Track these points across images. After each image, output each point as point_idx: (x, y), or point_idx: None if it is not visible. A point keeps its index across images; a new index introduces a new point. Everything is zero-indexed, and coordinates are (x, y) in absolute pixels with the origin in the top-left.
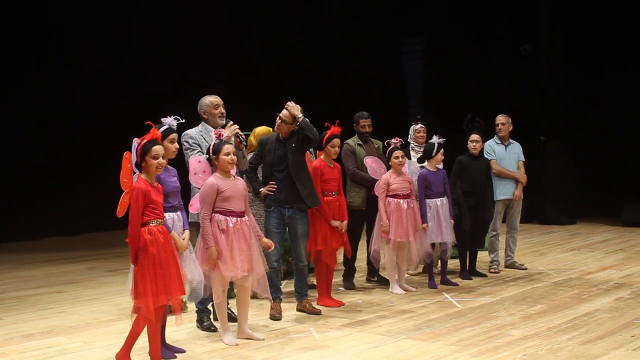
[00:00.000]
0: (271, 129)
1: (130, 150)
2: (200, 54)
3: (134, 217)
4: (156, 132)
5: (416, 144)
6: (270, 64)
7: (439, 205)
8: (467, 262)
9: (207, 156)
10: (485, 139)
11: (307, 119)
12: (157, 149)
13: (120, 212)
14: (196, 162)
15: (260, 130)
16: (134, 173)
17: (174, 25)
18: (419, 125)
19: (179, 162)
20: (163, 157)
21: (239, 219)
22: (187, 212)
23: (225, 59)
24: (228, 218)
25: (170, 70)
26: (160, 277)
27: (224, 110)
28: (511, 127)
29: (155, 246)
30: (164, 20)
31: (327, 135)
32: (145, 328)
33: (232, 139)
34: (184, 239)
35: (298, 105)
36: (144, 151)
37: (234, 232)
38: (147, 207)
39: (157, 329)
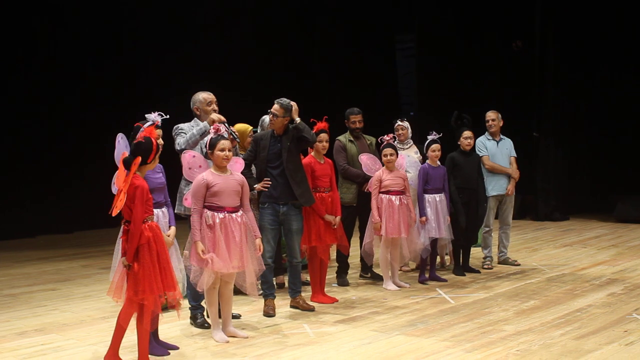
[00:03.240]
0: (250, 127)
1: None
2: (194, 50)
3: (139, 215)
4: (153, 131)
5: (398, 141)
6: (263, 61)
7: (438, 200)
8: (461, 258)
9: (205, 151)
10: (475, 134)
11: (303, 122)
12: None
13: (117, 210)
14: (190, 156)
15: (239, 127)
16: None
17: (168, 22)
18: (398, 123)
19: (164, 159)
20: None
21: (227, 214)
22: (173, 207)
23: (219, 55)
24: (215, 213)
25: (163, 68)
26: (163, 272)
27: (216, 108)
28: (501, 122)
29: (156, 242)
30: (157, 17)
31: (313, 131)
32: (134, 325)
33: (225, 134)
34: (169, 236)
35: (297, 107)
36: (158, 151)
37: (220, 228)
38: (146, 204)
39: (149, 325)
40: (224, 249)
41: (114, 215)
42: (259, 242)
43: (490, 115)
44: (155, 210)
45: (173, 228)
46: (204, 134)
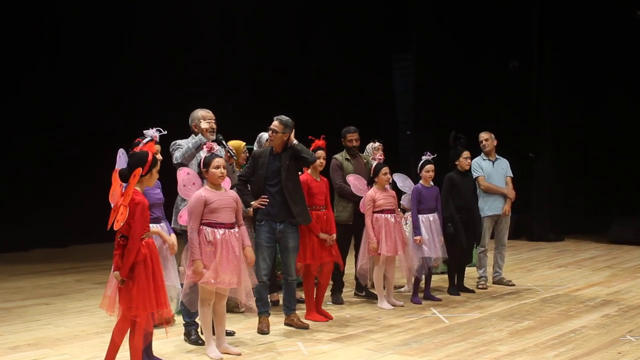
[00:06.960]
0: (244, 143)
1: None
2: (190, 67)
3: (137, 231)
4: (153, 147)
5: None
6: (261, 77)
7: (432, 220)
8: (455, 278)
9: (198, 169)
10: (471, 155)
11: (301, 144)
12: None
13: (118, 224)
14: (185, 174)
15: (233, 144)
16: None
17: (166, 37)
18: (377, 143)
19: (161, 175)
20: None
21: (227, 230)
22: (169, 221)
23: (217, 71)
24: (215, 230)
25: (160, 84)
26: (157, 290)
27: (214, 126)
28: (495, 142)
29: (152, 259)
30: (155, 31)
31: (310, 149)
32: (127, 341)
33: (222, 152)
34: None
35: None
36: (154, 164)
37: (221, 244)
38: (144, 221)
39: (141, 342)
40: (225, 265)
41: (115, 229)
42: (250, 252)
43: (483, 135)
44: (155, 225)
45: (173, 235)
46: (199, 147)
